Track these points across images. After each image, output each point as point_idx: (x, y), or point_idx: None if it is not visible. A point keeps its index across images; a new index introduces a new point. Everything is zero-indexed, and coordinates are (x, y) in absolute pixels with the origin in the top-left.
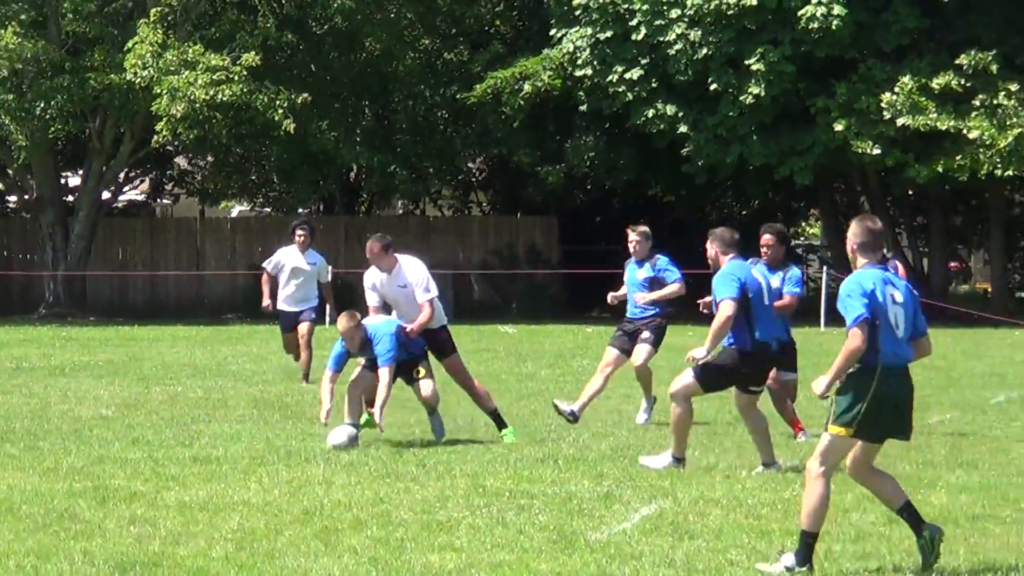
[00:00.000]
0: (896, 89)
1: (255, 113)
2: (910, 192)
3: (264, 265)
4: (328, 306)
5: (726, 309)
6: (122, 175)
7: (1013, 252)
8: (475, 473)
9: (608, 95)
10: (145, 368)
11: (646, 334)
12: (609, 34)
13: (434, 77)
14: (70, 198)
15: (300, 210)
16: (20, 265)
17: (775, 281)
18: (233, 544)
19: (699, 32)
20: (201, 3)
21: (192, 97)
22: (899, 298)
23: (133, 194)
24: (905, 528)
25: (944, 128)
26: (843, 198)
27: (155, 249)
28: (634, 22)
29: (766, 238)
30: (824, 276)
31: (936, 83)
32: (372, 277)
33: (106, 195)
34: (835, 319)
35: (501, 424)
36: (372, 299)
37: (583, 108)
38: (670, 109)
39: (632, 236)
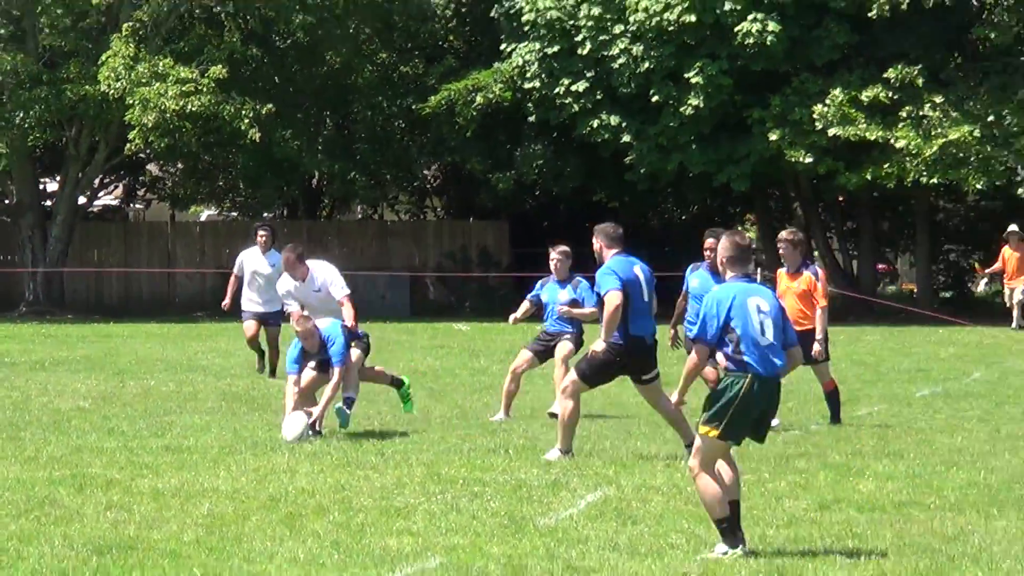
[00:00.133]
0: (827, 101)
1: (222, 123)
2: (841, 198)
3: (235, 271)
4: None
5: (613, 299)
6: (97, 181)
7: (937, 255)
8: (431, 462)
9: (555, 106)
10: (120, 363)
11: (566, 340)
12: (556, 49)
13: (391, 89)
14: (48, 203)
15: (265, 214)
16: (1, 266)
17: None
18: (204, 528)
19: (641, 47)
20: (170, 18)
21: (163, 107)
22: (765, 307)
23: (108, 199)
24: (836, 513)
25: (873, 138)
26: (777, 204)
27: (129, 251)
28: (579, 37)
29: (709, 242)
30: (759, 277)
31: (865, 95)
32: (286, 284)
33: (82, 200)
34: None
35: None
36: (294, 305)
37: (532, 119)
38: (614, 120)
39: (553, 255)
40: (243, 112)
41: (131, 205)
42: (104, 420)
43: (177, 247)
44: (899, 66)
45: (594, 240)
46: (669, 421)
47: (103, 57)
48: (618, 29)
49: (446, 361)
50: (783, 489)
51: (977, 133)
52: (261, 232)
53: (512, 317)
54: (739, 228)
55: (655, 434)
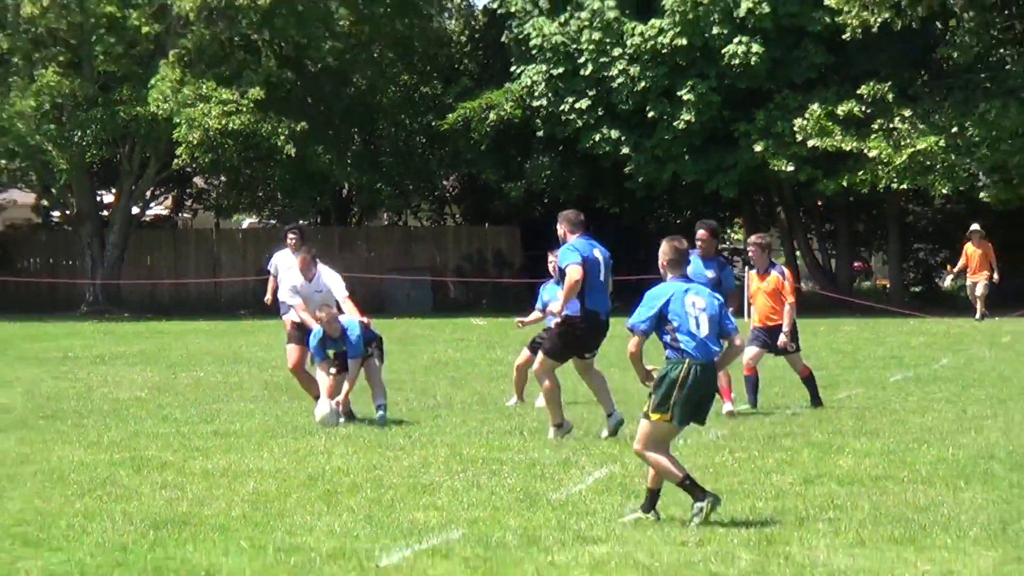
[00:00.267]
0: (807, 115)
1: (260, 139)
2: (820, 203)
3: (269, 269)
4: None
5: (574, 273)
6: (149, 193)
7: (907, 254)
8: (453, 443)
9: (561, 122)
10: (172, 357)
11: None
12: (561, 70)
13: (412, 108)
14: (105, 213)
15: (300, 221)
16: (64, 271)
17: (709, 272)
18: (249, 505)
19: (638, 68)
20: (213, 46)
21: (207, 126)
22: (701, 304)
23: (158, 209)
24: (819, 487)
25: (848, 148)
26: (763, 209)
27: (178, 256)
28: (582, 60)
29: (701, 233)
30: (746, 275)
31: (841, 110)
32: (293, 280)
33: (135, 210)
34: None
35: None
36: (296, 299)
37: (540, 133)
38: (614, 134)
39: (551, 258)
40: (279, 130)
41: (179, 214)
42: (158, 408)
43: (221, 252)
44: (871, 83)
45: (558, 226)
46: (598, 392)
47: (152, 81)
48: (617, 52)
49: (465, 353)
50: (771, 465)
51: (942, 143)
52: (291, 235)
53: (519, 320)
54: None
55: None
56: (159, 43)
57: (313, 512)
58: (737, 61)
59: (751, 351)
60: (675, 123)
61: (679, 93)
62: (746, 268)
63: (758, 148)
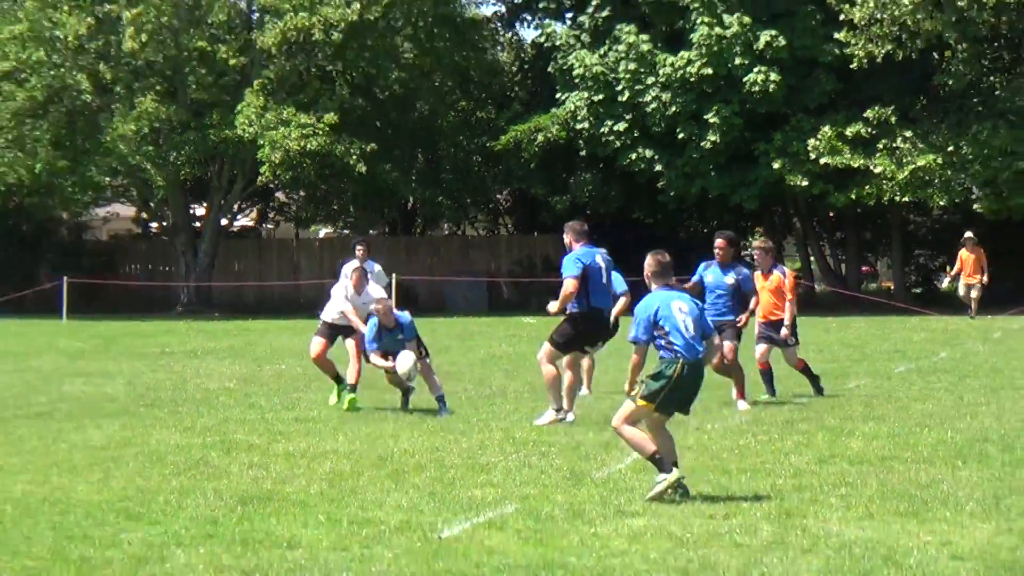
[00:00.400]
0: (819, 136)
1: (335, 159)
2: (831, 214)
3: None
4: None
5: (569, 286)
6: (236, 206)
7: (909, 259)
8: (507, 428)
9: (601, 143)
10: (257, 351)
11: None
12: (600, 96)
13: (469, 131)
14: (197, 224)
15: (370, 231)
16: (161, 275)
17: (728, 279)
18: (326, 483)
19: (669, 94)
20: (292, 76)
21: (287, 147)
22: (685, 309)
23: (245, 221)
24: (832, 466)
25: (856, 165)
26: (780, 219)
27: (262, 262)
28: (619, 87)
29: (719, 242)
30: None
31: (849, 131)
32: (345, 290)
33: (224, 222)
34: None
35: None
36: (347, 305)
37: (582, 153)
38: (648, 153)
39: None
40: (351, 150)
41: (263, 225)
42: (245, 397)
43: (301, 258)
44: (876, 107)
45: (565, 235)
46: (568, 386)
47: (239, 107)
48: (650, 80)
49: (517, 347)
50: (789, 447)
51: (940, 160)
52: (359, 247)
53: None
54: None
55: None
56: (245, 74)
57: (383, 489)
58: (757, 88)
59: (760, 348)
60: (702, 143)
61: (706, 117)
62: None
63: (776, 165)
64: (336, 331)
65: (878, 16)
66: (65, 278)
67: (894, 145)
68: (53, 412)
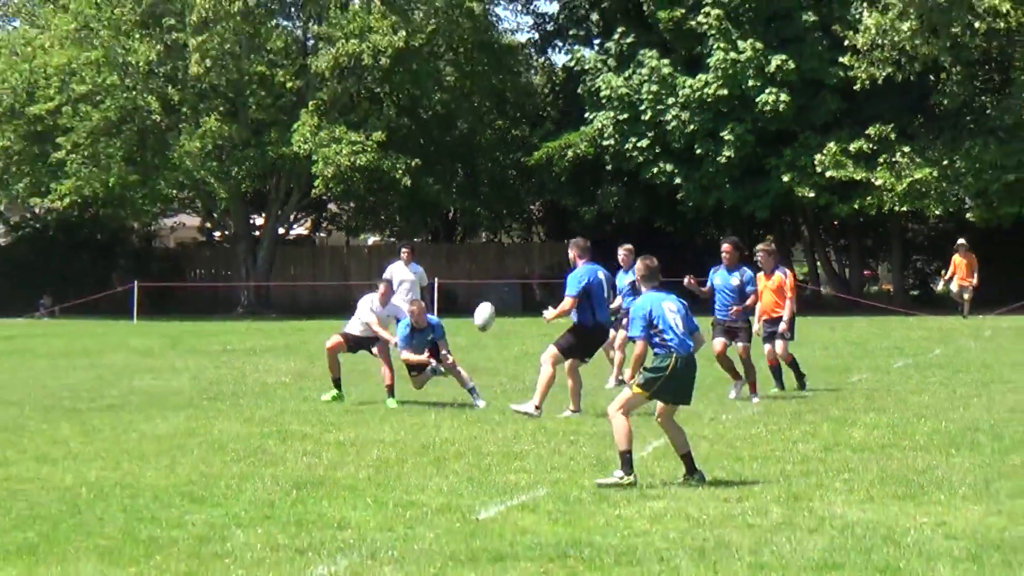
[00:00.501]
0: (825, 151)
1: (382, 173)
2: (836, 222)
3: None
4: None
5: (566, 304)
6: (292, 217)
7: (907, 264)
8: (539, 419)
9: (626, 158)
10: (311, 349)
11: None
12: (625, 116)
13: (505, 147)
14: (256, 233)
15: (415, 239)
16: (223, 280)
17: (734, 280)
18: (373, 469)
19: (688, 113)
20: (344, 97)
21: (339, 163)
22: (674, 308)
23: (300, 230)
24: (836, 454)
25: (859, 178)
26: (789, 227)
27: (315, 267)
28: (643, 107)
29: (725, 247)
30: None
31: (853, 147)
32: (370, 304)
33: (281, 231)
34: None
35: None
36: (372, 317)
37: (608, 167)
38: (668, 167)
39: (622, 252)
40: (397, 165)
41: (317, 234)
42: (300, 390)
43: (351, 264)
44: (877, 125)
45: (570, 250)
46: (573, 390)
47: (295, 126)
48: (671, 101)
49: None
50: (797, 436)
51: (935, 173)
52: (404, 249)
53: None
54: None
55: (702, 397)
56: (300, 96)
57: (425, 475)
58: (768, 108)
59: (767, 347)
60: (718, 158)
61: (721, 134)
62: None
63: (786, 178)
64: (359, 343)
65: (879, 42)
66: (136, 282)
67: (894, 160)
68: (124, 405)
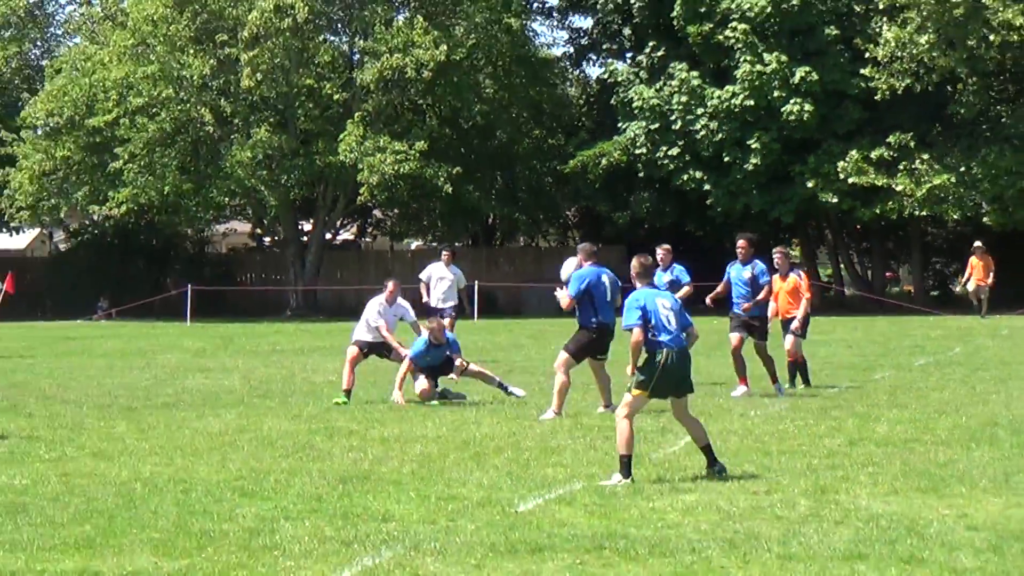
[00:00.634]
0: (847, 159)
1: (425, 180)
2: (858, 227)
3: (421, 277)
4: (464, 303)
5: (563, 299)
6: (338, 222)
7: (927, 266)
8: (575, 415)
9: (657, 166)
10: None
11: None
12: (656, 125)
13: (542, 156)
14: (304, 238)
15: (456, 244)
16: (273, 283)
17: (746, 273)
18: (416, 464)
19: (716, 123)
20: (388, 109)
21: (383, 171)
22: (668, 304)
23: (346, 235)
24: (861, 448)
25: (880, 184)
26: (814, 231)
27: (361, 271)
28: (673, 117)
29: (741, 242)
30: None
31: (874, 154)
32: (378, 305)
33: (328, 236)
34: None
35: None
36: (381, 321)
37: (641, 174)
38: (698, 174)
39: (660, 252)
40: (439, 173)
41: (362, 239)
42: (375, 397)
43: (395, 267)
44: (897, 133)
45: (579, 254)
46: (600, 386)
47: (341, 136)
48: (700, 111)
49: None
50: (823, 431)
51: (953, 179)
52: (445, 252)
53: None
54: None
55: (729, 391)
56: (347, 107)
57: (466, 469)
58: (793, 117)
59: (789, 340)
60: (745, 166)
61: (748, 142)
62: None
63: (810, 184)
64: (372, 349)
65: (898, 54)
66: (189, 286)
67: (913, 166)
68: (178, 403)
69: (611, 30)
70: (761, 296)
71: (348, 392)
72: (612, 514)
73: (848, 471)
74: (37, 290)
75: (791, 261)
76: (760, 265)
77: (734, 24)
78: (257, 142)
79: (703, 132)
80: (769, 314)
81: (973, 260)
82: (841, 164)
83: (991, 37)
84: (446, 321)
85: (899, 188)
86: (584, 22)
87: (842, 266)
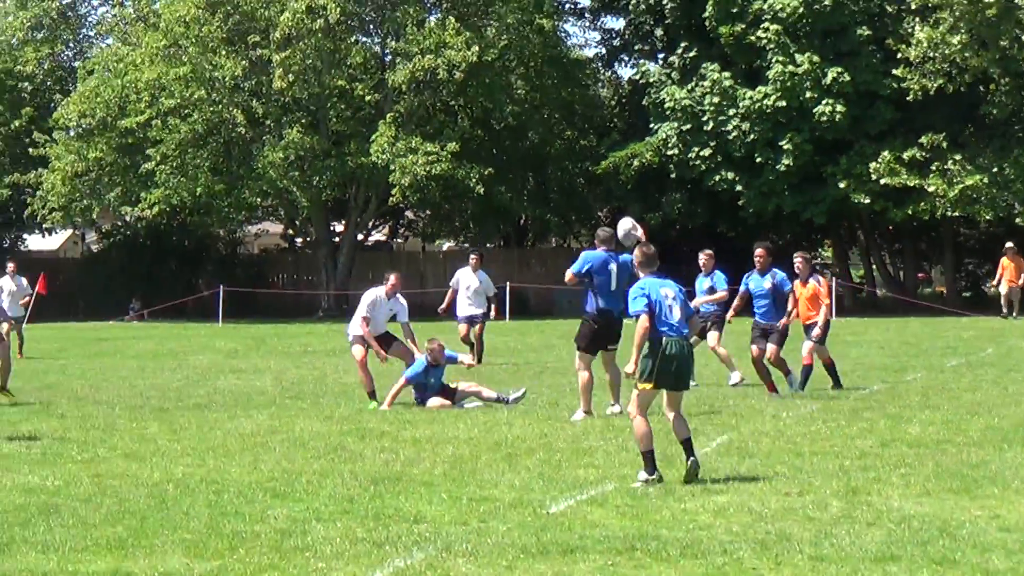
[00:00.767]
0: (879, 159)
1: (456, 181)
2: (890, 227)
3: (451, 284)
4: (493, 309)
5: (568, 274)
6: (370, 223)
7: (959, 266)
8: (605, 417)
9: (689, 166)
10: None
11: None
12: (688, 126)
13: (574, 157)
14: (336, 239)
15: (488, 245)
16: (305, 284)
17: (766, 283)
18: (448, 465)
19: (748, 124)
20: (420, 110)
21: (415, 172)
22: (671, 294)
23: (378, 236)
24: (893, 449)
25: (912, 185)
26: (846, 232)
27: (393, 272)
28: (705, 118)
29: (759, 251)
30: (834, 284)
31: (906, 155)
32: (375, 295)
33: (360, 237)
34: (841, 313)
35: None
36: (368, 314)
37: (673, 175)
38: (730, 175)
39: (703, 257)
40: (471, 174)
41: (394, 240)
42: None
43: (427, 268)
44: (929, 134)
45: (595, 240)
46: (611, 383)
47: (373, 137)
48: (732, 112)
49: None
50: (855, 432)
51: (986, 180)
52: (473, 256)
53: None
54: (820, 249)
55: (762, 393)
56: (379, 108)
57: (498, 470)
58: (825, 118)
59: (807, 346)
60: (777, 166)
61: (780, 143)
62: (833, 279)
63: (842, 185)
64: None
65: (931, 54)
66: (221, 287)
67: (945, 167)
68: (210, 404)
69: (643, 31)
70: (790, 307)
71: (372, 394)
72: (644, 515)
73: (880, 472)
74: (69, 291)
75: (813, 265)
76: (780, 274)
77: (766, 25)
78: (289, 143)
79: (735, 133)
80: (784, 321)
81: (1004, 261)
82: (873, 165)
83: (1023, 37)
84: (476, 328)
85: (931, 189)
86: (616, 23)
87: (874, 267)
